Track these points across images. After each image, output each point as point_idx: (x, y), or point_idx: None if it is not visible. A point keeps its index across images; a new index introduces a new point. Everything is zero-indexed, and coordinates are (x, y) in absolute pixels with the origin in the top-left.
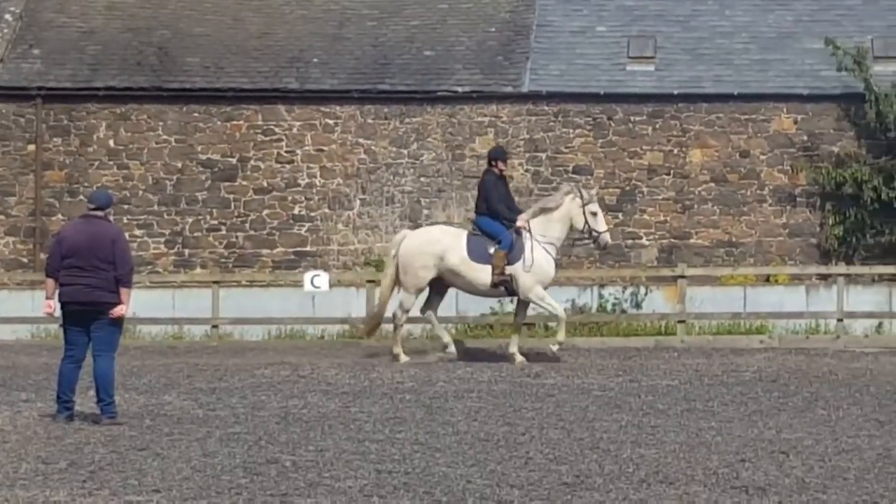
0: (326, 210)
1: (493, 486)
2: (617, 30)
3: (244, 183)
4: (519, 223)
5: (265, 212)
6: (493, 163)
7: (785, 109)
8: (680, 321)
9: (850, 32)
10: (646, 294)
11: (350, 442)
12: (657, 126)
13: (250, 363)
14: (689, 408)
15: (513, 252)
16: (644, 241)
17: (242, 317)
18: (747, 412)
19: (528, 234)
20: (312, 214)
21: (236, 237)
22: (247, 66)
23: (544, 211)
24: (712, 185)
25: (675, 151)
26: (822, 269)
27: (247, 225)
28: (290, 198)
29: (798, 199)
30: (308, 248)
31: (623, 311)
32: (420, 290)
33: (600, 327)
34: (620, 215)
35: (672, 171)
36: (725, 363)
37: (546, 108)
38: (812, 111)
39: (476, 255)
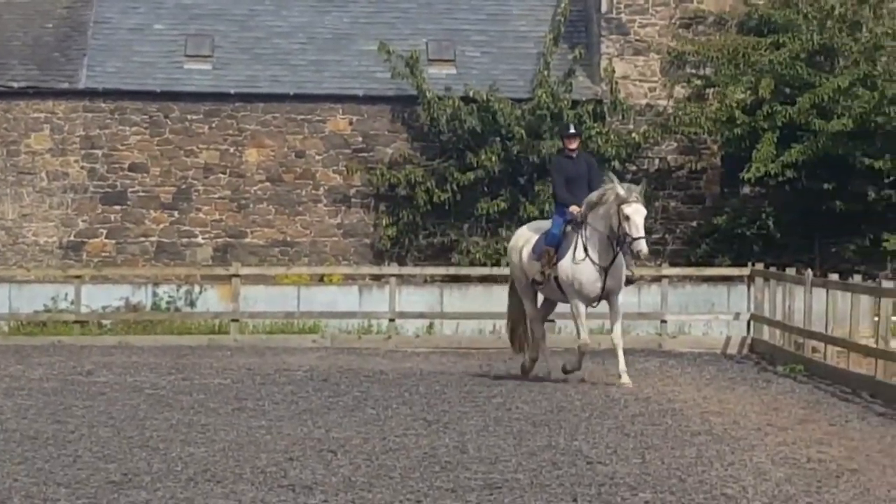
0: None
1: (40, 485)
2: (174, 28)
3: None
4: (572, 209)
5: None
6: (563, 142)
7: (340, 111)
8: (233, 320)
9: (404, 35)
10: (200, 292)
11: None
12: (214, 125)
13: None
14: (240, 406)
15: (560, 248)
16: (199, 239)
17: None
18: (298, 411)
19: (580, 226)
20: None
21: None
22: None
23: (593, 204)
24: (268, 184)
25: (232, 150)
26: (375, 270)
27: None
28: None
29: (352, 199)
30: None
31: (177, 310)
32: (532, 292)
33: (154, 325)
34: (176, 213)
35: (228, 170)
36: (278, 362)
37: (103, 105)
38: (367, 113)
39: (537, 252)
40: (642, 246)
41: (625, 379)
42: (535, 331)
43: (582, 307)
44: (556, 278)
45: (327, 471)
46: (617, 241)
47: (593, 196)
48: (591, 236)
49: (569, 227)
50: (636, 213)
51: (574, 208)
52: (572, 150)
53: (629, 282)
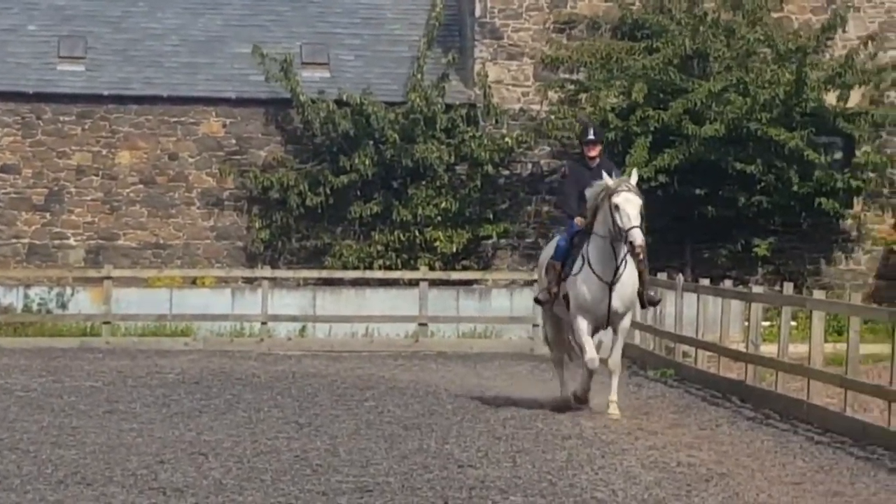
0: None
1: None
2: (48, 29)
3: None
4: (577, 221)
5: None
6: (583, 149)
7: (214, 113)
8: (105, 322)
9: (278, 38)
10: (72, 295)
11: None
12: (86, 126)
13: None
14: (111, 409)
15: (566, 263)
16: (72, 241)
17: None
18: (169, 414)
19: (587, 237)
20: None
21: None
22: None
23: (594, 209)
24: (141, 186)
25: (104, 152)
26: (248, 273)
27: None
28: None
29: (225, 202)
30: None
31: (49, 312)
32: (550, 313)
33: (25, 328)
34: (48, 215)
35: (101, 172)
36: (150, 365)
37: None
38: (240, 115)
39: (546, 268)
40: (636, 235)
41: (613, 410)
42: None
43: (583, 323)
44: (565, 296)
45: (198, 474)
46: (620, 242)
47: (590, 198)
48: (593, 246)
49: (576, 240)
50: (626, 202)
51: (580, 220)
52: (592, 159)
53: (652, 303)
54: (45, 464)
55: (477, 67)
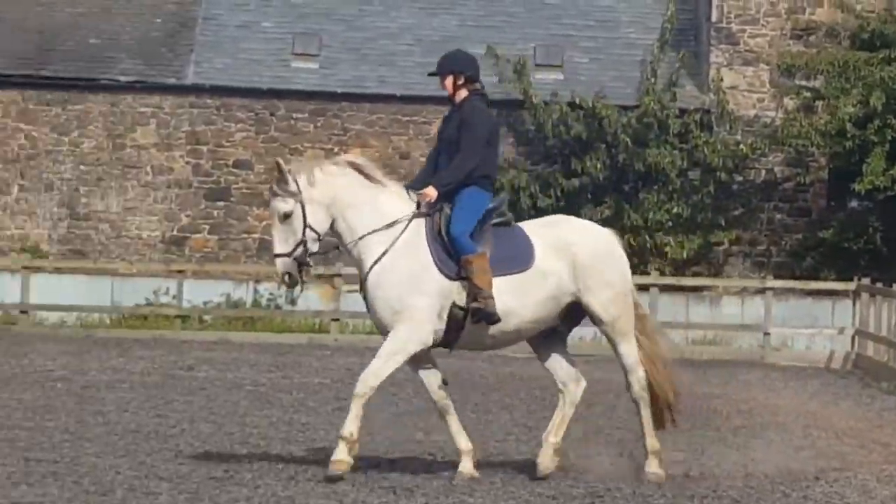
0: None
1: (142, 478)
2: (282, 26)
3: None
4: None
5: None
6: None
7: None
8: (334, 319)
9: (512, 39)
10: (301, 291)
11: None
12: (319, 124)
13: None
14: (339, 406)
15: None
16: None
17: None
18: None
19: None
20: None
21: None
22: None
23: None
24: None
25: (336, 150)
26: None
27: None
28: None
29: None
30: None
31: (278, 307)
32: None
33: (255, 322)
34: None
35: None
36: None
37: (209, 101)
38: None
39: None
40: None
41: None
42: None
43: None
44: None
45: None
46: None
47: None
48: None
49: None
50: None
51: (428, 192)
52: (450, 98)
53: (476, 315)
54: (275, 459)
55: (712, 72)
